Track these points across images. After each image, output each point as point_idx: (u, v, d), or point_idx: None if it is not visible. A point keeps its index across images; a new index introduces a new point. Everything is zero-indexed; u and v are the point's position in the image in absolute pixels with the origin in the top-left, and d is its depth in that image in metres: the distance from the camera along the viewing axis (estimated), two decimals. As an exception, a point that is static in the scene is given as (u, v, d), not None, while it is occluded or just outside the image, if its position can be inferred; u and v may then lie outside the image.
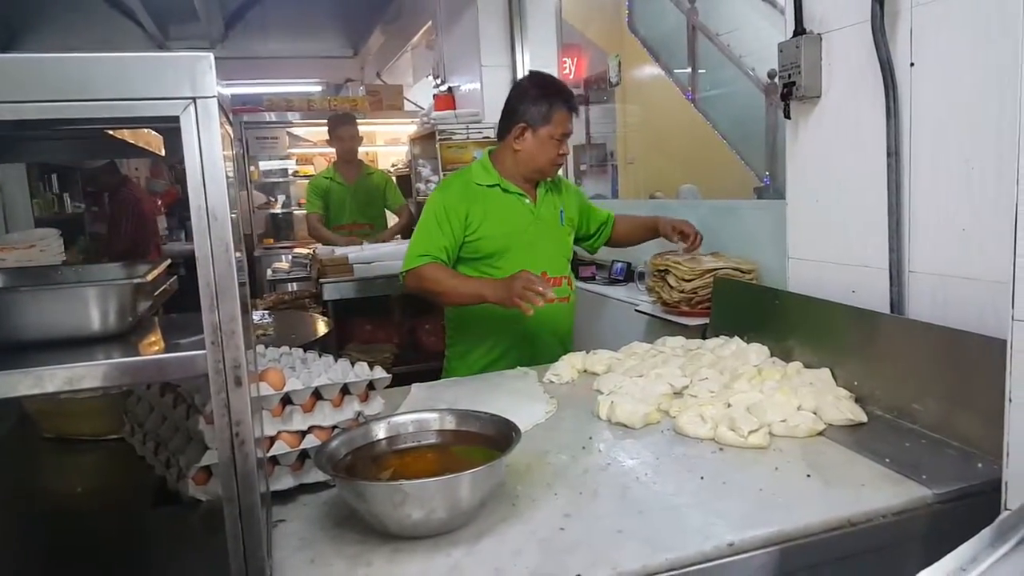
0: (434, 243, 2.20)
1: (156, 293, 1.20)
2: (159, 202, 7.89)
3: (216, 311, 0.84)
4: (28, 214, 5.74)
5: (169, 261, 1.24)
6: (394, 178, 5.58)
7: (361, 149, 7.67)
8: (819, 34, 1.83)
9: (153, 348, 0.93)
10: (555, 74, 5.04)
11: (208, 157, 0.83)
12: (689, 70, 5.52)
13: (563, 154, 2.30)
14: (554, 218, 2.40)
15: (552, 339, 2.32)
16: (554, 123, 2.23)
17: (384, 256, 4.24)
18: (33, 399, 1.58)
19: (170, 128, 0.84)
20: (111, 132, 1.30)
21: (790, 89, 1.87)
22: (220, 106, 0.85)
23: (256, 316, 3.83)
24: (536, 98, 2.25)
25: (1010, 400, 1.02)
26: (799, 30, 1.85)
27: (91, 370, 0.83)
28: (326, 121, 5.27)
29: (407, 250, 2.24)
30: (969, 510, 1.16)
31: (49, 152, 2.86)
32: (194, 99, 0.82)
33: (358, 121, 5.36)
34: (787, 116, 1.95)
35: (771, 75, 4.55)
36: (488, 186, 2.30)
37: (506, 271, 2.22)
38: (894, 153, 1.63)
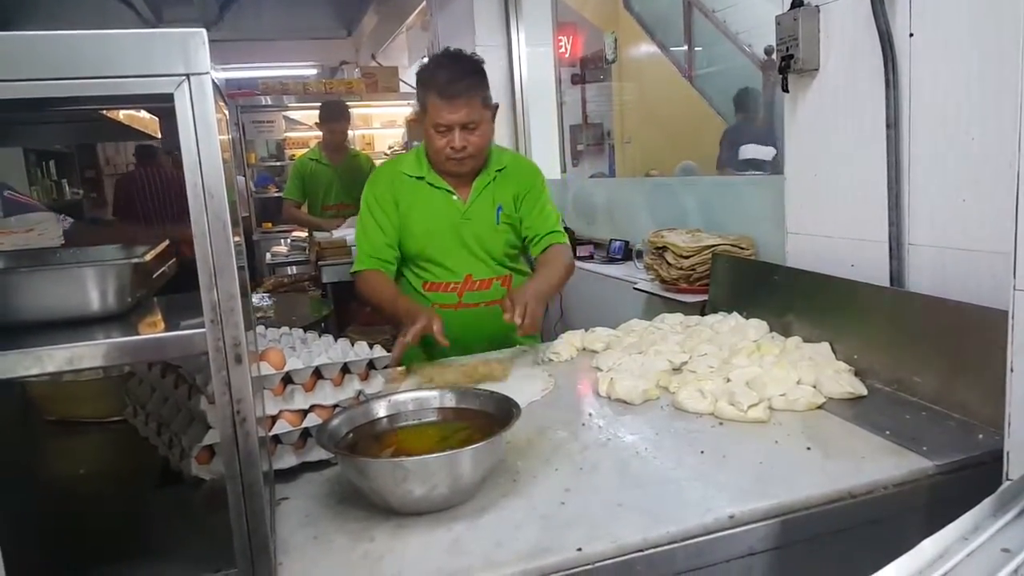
0: (373, 241, 2.11)
1: (156, 275, 1.20)
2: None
3: (215, 289, 0.84)
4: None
5: (168, 242, 1.23)
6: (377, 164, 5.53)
7: (357, 132, 7.65)
8: (817, 6, 1.81)
9: (153, 328, 0.93)
10: (550, 53, 5.02)
11: (203, 134, 0.83)
12: (685, 47, 5.49)
13: (455, 147, 2.01)
14: (488, 217, 2.17)
15: (481, 343, 2.10)
16: (430, 112, 2.01)
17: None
18: (35, 380, 1.58)
19: (165, 108, 0.83)
20: (108, 114, 1.30)
21: (788, 62, 1.85)
22: (214, 86, 0.85)
23: (256, 299, 3.83)
24: (418, 82, 2.06)
25: (1011, 370, 1.02)
26: (797, 2, 1.84)
27: (91, 350, 0.83)
28: (318, 106, 5.20)
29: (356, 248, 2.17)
30: (970, 481, 1.17)
31: (46, 136, 2.84)
32: (188, 76, 0.81)
33: (353, 103, 5.31)
34: (785, 89, 1.94)
35: (768, 51, 4.53)
36: (416, 178, 2.13)
37: (438, 274, 2.14)
38: (893, 125, 1.62)
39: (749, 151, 4.70)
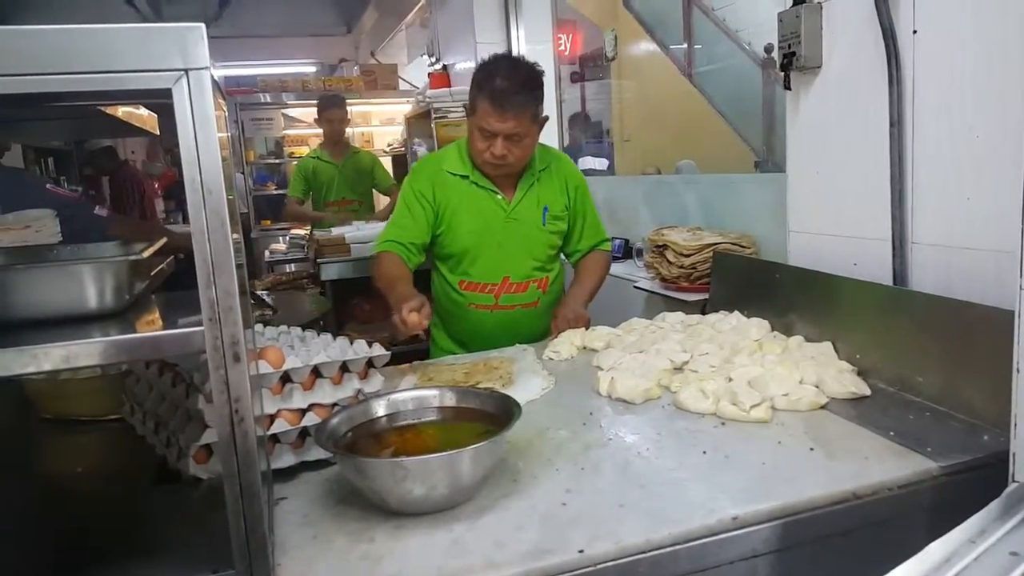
0: (399, 229, 2.12)
1: (153, 272, 1.19)
2: (156, 185, 7.84)
3: (213, 287, 0.83)
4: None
5: (165, 239, 1.22)
6: (380, 159, 5.56)
7: (356, 129, 7.65)
8: (819, 3, 1.80)
9: (151, 326, 0.92)
10: (550, 51, 5.02)
11: (202, 130, 0.82)
12: (685, 45, 5.48)
13: (495, 153, 2.02)
14: (534, 217, 2.18)
15: (514, 343, 2.11)
16: (478, 114, 2.02)
17: (382, 236, 4.21)
18: (31, 378, 1.57)
19: (163, 104, 0.82)
20: (106, 110, 1.29)
21: (790, 60, 1.84)
22: (213, 82, 0.84)
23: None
24: (473, 82, 2.04)
25: (1018, 370, 1.00)
26: (800, -1, 1.83)
27: (88, 348, 0.82)
28: (316, 101, 5.24)
29: None
30: (975, 482, 1.15)
31: (44, 133, 2.83)
32: (186, 71, 0.80)
33: (353, 101, 5.33)
34: (787, 87, 1.93)
35: (768, 49, 4.54)
36: (460, 176, 2.14)
37: (476, 275, 2.15)
38: (896, 123, 1.61)
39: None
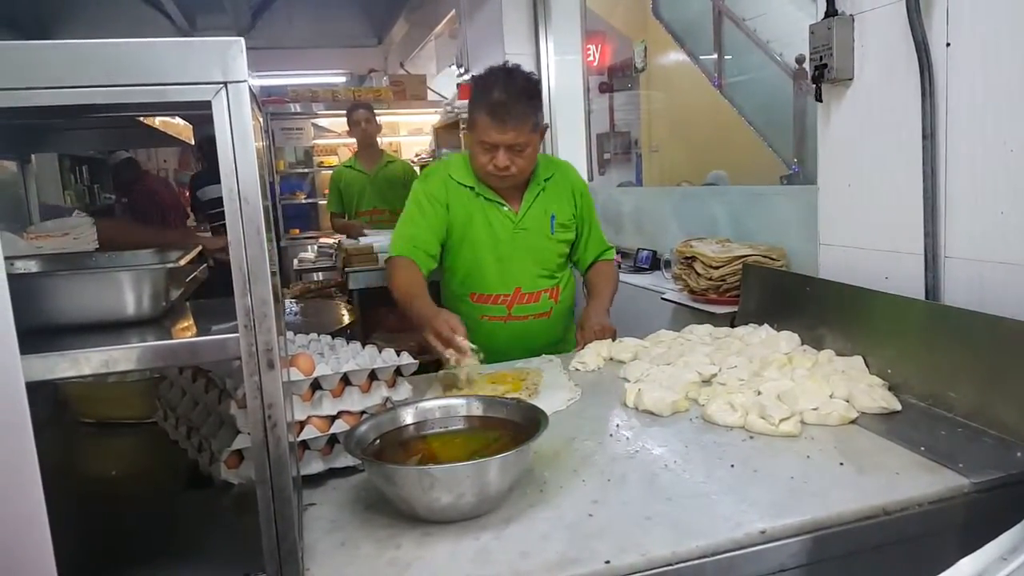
0: (413, 230, 2.11)
1: (188, 279, 1.21)
2: (187, 194, 7.93)
3: (249, 295, 0.85)
4: (60, 205, 5.83)
5: (200, 248, 1.25)
6: (418, 169, 5.57)
7: (385, 139, 7.72)
8: (851, 15, 1.79)
9: (186, 332, 0.94)
10: (579, 62, 5.04)
11: (239, 141, 0.83)
12: (715, 56, 5.46)
13: (498, 165, 2.02)
14: (542, 226, 2.19)
15: (525, 354, 2.10)
16: (478, 128, 2.02)
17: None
18: (71, 382, 1.61)
19: (200, 115, 0.84)
20: (142, 120, 1.32)
21: (822, 72, 1.84)
22: (250, 93, 0.85)
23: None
24: (471, 93, 2.07)
25: (1051, 386, 0.99)
26: (831, 11, 1.82)
27: (127, 353, 0.84)
28: (345, 113, 5.28)
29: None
30: (1007, 499, 1.14)
31: (81, 142, 2.89)
32: (225, 84, 0.82)
33: (381, 111, 5.36)
34: (818, 99, 1.92)
35: (799, 60, 4.51)
36: (467, 187, 2.14)
37: (486, 286, 2.14)
38: (930, 136, 1.59)
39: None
